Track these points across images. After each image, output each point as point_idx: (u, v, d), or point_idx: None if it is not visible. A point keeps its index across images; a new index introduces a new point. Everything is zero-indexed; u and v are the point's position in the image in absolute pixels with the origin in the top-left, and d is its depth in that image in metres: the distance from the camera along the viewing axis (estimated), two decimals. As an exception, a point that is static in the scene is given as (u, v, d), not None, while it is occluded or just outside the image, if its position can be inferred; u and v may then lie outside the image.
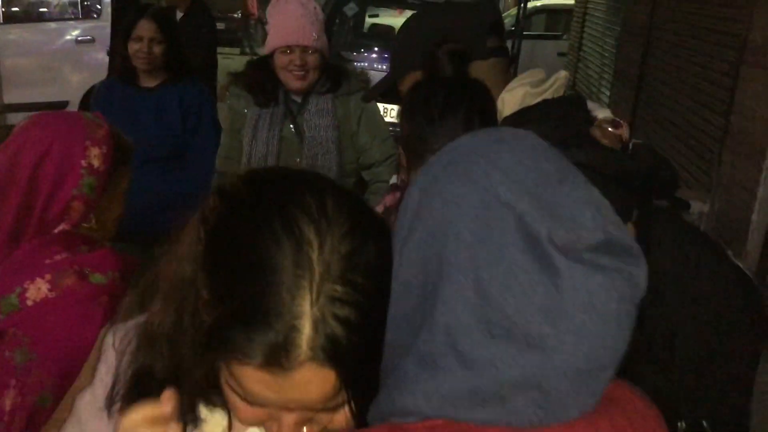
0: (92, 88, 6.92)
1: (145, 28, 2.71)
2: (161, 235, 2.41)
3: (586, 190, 0.63)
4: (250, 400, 0.67)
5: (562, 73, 1.54)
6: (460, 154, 0.68)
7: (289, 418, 0.68)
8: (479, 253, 0.60)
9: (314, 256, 0.63)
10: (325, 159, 2.41)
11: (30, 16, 7.17)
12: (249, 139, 2.41)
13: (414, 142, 1.27)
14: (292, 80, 2.36)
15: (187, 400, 0.74)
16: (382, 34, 7.60)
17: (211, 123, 2.88)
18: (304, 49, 2.31)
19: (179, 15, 4.97)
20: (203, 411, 0.77)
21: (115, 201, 1.44)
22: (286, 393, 0.64)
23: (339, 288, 0.63)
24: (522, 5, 7.85)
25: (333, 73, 2.44)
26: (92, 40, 6.94)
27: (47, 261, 1.27)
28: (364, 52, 6.37)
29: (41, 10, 7.28)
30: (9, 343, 1.25)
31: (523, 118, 1.36)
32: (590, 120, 1.35)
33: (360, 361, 0.65)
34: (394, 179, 1.57)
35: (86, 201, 1.34)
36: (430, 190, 0.66)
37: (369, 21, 8.11)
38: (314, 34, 2.31)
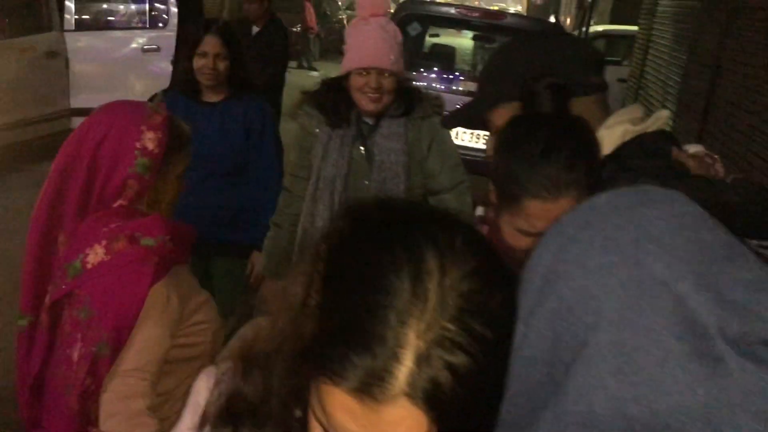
0: (154, 96, 7.16)
1: (210, 43, 2.73)
2: (219, 247, 2.38)
3: (760, 271, 0.55)
4: (332, 429, 0.62)
5: (664, 113, 1.46)
6: (601, 216, 0.61)
7: None
8: (625, 336, 0.53)
9: (432, 286, 0.58)
10: (393, 183, 2.38)
11: (99, 24, 7.37)
12: (318, 159, 2.39)
13: (509, 182, 1.19)
14: (366, 103, 2.33)
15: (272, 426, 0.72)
16: (442, 54, 7.58)
17: (273, 140, 2.89)
18: (381, 72, 2.28)
19: (255, 30, 5.11)
20: None
21: (170, 184, 1.57)
22: (370, 428, 0.59)
23: (452, 328, 0.58)
24: (583, 30, 7.75)
25: (407, 97, 2.40)
26: (158, 49, 7.10)
27: (104, 229, 1.43)
28: (424, 72, 6.35)
29: (110, 18, 7.49)
30: (75, 303, 1.44)
31: (620, 152, 1.29)
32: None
33: (459, 416, 0.59)
34: (480, 211, 1.51)
35: (140, 180, 1.48)
36: (564, 255, 0.60)
37: (429, 41, 8.10)
38: (392, 57, 2.28)
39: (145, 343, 1.41)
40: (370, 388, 0.57)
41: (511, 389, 0.61)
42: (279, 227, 2.58)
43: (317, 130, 2.40)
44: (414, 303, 0.58)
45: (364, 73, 2.29)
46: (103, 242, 1.41)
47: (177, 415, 1.50)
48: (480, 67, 7.82)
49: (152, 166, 1.49)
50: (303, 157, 2.47)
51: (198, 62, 2.73)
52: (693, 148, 1.42)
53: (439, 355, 0.57)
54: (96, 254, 1.41)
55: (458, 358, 0.57)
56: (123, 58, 7.16)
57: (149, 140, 1.47)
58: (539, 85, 1.36)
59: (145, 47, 7.14)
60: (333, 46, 17.10)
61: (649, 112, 1.46)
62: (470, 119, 1.62)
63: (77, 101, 6.90)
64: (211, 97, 2.81)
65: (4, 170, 6.18)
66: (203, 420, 0.79)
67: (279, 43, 5.28)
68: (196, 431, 0.79)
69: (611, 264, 0.56)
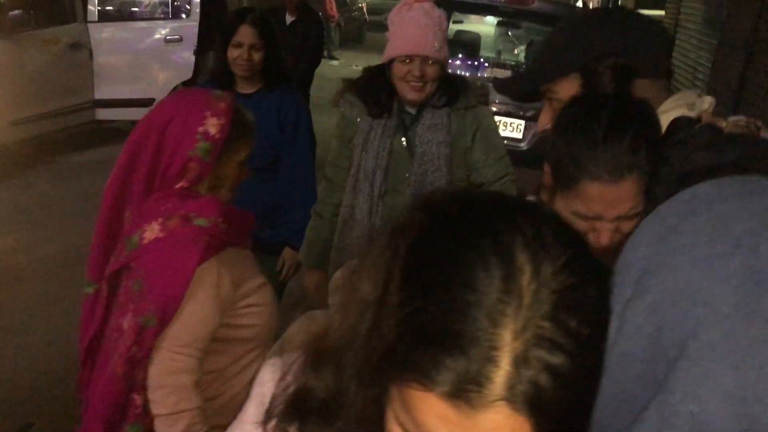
0: (175, 87, 7.17)
1: (245, 34, 2.65)
2: (256, 246, 2.33)
3: None
4: None
5: (708, 99, 1.41)
6: (706, 205, 0.57)
7: None
8: (740, 330, 0.49)
9: (524, 284, 0.54)
10: (435, 176, 2.30)
11: (122, 15, 7.38)
12: (359, 150, 2.33)
13: (567, 165, 1.15)
14: (408, 91, 2.25)
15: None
16: (466, 40, 7.49)
17: (307, 135, 2.82)
18: (425, 59, 2.21)
19: (289, 19, 5.09)
20: None
21: (230, 169, 1.61)
22: None
23: (548, 326, 0.53)
24: (610, 14, 7.62)
25: (451, 86, 2.32)
26: (180, 40, 7.10)
27: (162, 208, 1.51)
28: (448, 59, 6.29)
29: (133, 9, 7.49)
30: (130, 275, 1.52)
31: (667, 132, 1.24)
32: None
33: (558, 418, 0.54)
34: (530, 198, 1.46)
35: (201, 163, 1.54)
36: (667, 245, 0.56)
37: (453, 27, 8.01)
38: (436, 45, 2.20)
39: (193, 319, 1.47)
40: (466, 393, 0.53)
41: (605, 387, 0.57)
42: (320, 217, 2.52)
43: (358, 120, 2.34)
44: (507, 301, 0.54)
45: (407, 61, 2.21)
46: (160, 220, 1.50)
47: (231, 396, 1.57)
48: (505, 55, 7.74)
49: (213, 150, 1.55)
50: (344, 146, 2.40)
51: (232, 53, 2.66)
52: (734, 117, 1.38)
53: (537, 356, 0.53)
54: (152, 231, 1.49)
55: (557, 358, 0.53)
56: (146, 48, 7.17)
57: (212, 126, 1.53)
58: (602, 65, 1.32)
59: (168, 38, 7.14)
60: (353, 34, 17.07)
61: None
62: (524, 90, 1.57)
63: (101, 92, 6.94)
64: (246, 89, 2.73)
65: (29, 162, 6.23)
66: (269, 413, 0.76)
67: (315, 35, 5.24)
68: (261, 424, 0.76)
69: (723, 254, 0.52)
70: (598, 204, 1.12)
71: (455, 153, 2.33)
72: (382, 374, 0.60)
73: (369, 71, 2.43)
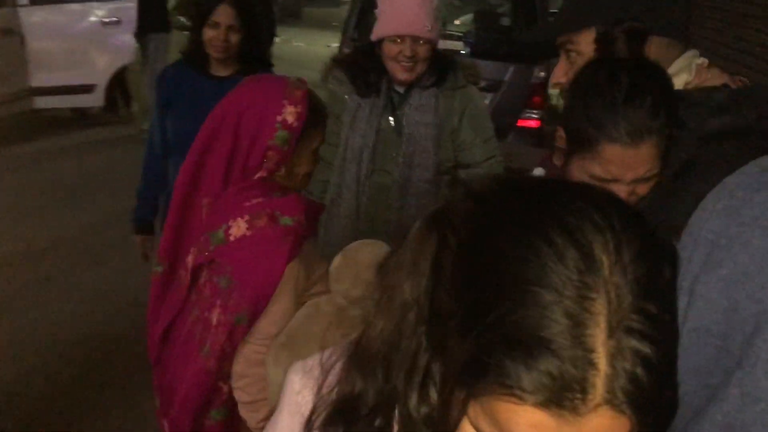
0: (122, 68, 6.87)
1: (224, 14, 2.52)
2: None
3: None
4: None
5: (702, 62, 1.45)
6: None
7: None
8: None
9: (606, 276, 0.52)
10: (422, 157, 2.30)
11: (55, -3, 7.02)
12: (347, 128, 2.31)
13: (587, 126, 1.15)
14: (399, 71, 2.23)
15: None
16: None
17: None
18: (416, 39, 2.17)
19: None
20: None
21: (305, 157, 1.62)
22: None
23: (635, 317, 0.51)
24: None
25: (439, 66, 2.30)
26: (118, 22, 6.81)
27: (246, 204, 1.52)
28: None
29: (66, -10, 7.13)
30: (216, 270, 1.55)
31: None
32: None
33: (656, 408, 0.54)
34: (539, 172, 1.46)
35: (279, 152, 1.56)
36: (738, 218, 0.55)
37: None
38: (428, 25, 2.16)
39: (280, 315, 1.52)
40: (567, 401, 0.50)
41: (680, 364, 0.56)
42: (310, 194, 2.49)
43: (346, 97, 2.32)
44: (593, 298, 0.51)
45: (398, 40, 2.18)
46: (246, 217, 1.51)
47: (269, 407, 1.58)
48: (450, 26, 7.72)
49: (291, 138, 1.56)
50: (333, 122, 2.33)
51: (208, 33, 2.53)
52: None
53: (630, 350, 0.51)
54: (239, 228, 1.51)
55: (648, 349, 0.51)
56: (82, 32, 6.87)
57: (289, 114, 1.54)
58: (618, 30, 1.33)
59: (105, 20, 6.84)
60: (290, 10, 16.74)
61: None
62: (546, 37, 1.57)
63: (37, 80, 6.62)
64: (220, 71, 2.62)
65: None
66: (310, 423, 0.73)
67: (262, 13, 4.96)
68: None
69: None
70: (617, 167, 1.13)
71: (443, 133, 2.32)
72: (463, 384, 0.56)
73: (357, 50, 2.41)
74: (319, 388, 0.74)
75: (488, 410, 0.54)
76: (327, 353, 0.77)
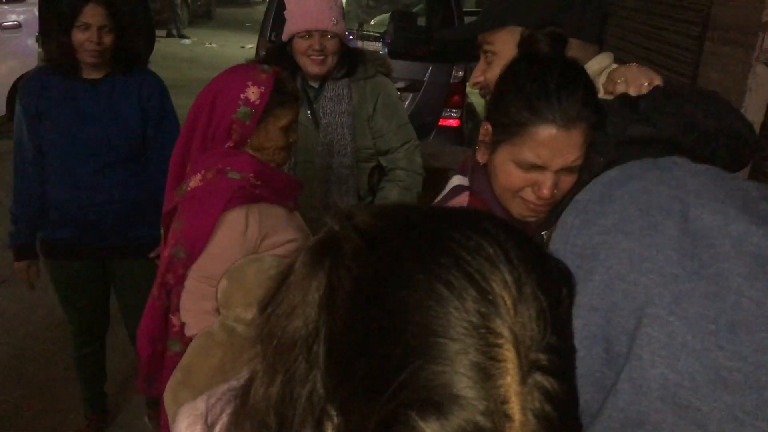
0: (21, 77, 6.53)
1: (93, 14, 2.32)
2: (122, 248, 2.32)
3: None
4: None
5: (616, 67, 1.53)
6: (622, 186, 0.60)
7: None
8: (689, 289, 0.51)
9: (509, 317, 0.50)
10: (340, 145, 2.41)
11: (-54, 0, 6.60)
12: None
13: (519, 110, 1.17)
14: (310, 65, 2.34)
15: None
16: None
17: (174, 118, 2.61)
18: (323, 33, 2.30)
19: None
20: None
21: (272, 133, 1.80)
22: None
23: (542, 356, 0.49)
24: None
25: (349, 58, 2.42)
26: (19, 26, 6.48)
27: (207, 162, 1.77)
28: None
29: (-40, -7, 6.72)
30: (176, 216, 1.80)
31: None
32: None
33: None
34: (458, 180, 1.47)
35: (242, 126, 1.77)
36: (598, 228, 0.58)
37: None
38: (333, 19, 2.30)
39: (219, 255, 1.68)
40: None
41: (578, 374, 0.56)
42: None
43: None
44: (500, 344, 0.49)
45: (307, 36, 2.31)
46: (202, 172, 1.75)
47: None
48: (367, 26, 7.75)
49: (253, 115, 1.76)
50: None
51: (79, 36, 2.32)
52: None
53: (538, 391, 0.49)
54: (195, 180, 1.75)
55: (555, 385, 0.50)
56: (-21, 37, 6.47)
57: (252, 93, 1.75)
58: (540, 33, 1.38)
59: (4, 24, 6.49)
60: (201, 11, 16.38)
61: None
62: (465, 36, 1.62)
63: (-67, 88, 6.20)
64: (93, 74, 2.43)
65: None
66: None
67: (139, 9, 4.62)
68: None
69: (655, 223, 0.55)
70: (548, 150, 1.16)
71: (358, 122, 2.43)
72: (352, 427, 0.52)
73: (270, 50, 2.52)
74: None
75: None
76: (211, 400, 0.72)
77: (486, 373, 0.48)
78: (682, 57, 4.64)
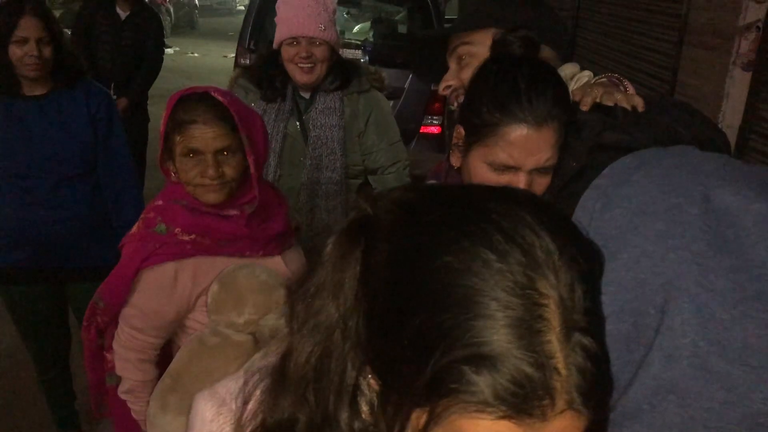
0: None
1: (29, 26, 2.24)
2: (89, 270, 2.29)
3: None
4: None
5: (585, 74, 1.54)
6: (639, 168, 0.64)
7: None
8: (715, 264, 0.55)
9: (552, 279, 0.53)
10: (329, 160, 2.33)
11: None
12: None
13: (491, 111, 1.18)
14: (298, 73, 2.28)
15: None
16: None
17: (122, 129, 2.56)
18: (311, 40, 2.23)
19: (123, 15, 4.55)
20: None
21: (179, 163, 1.59)
22: None
23: (581, 318, 0.53)
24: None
25: (343, 70, 2.36)
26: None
27: (152, 203, 1.68)
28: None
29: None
30: None
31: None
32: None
33: (605, 398, 0.55)
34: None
35: (158, 156, 1.62)
36: (621, 210, 0.62)
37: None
38: (321, 25, 2.23)
39: (142, 310, 1.62)
40: (535, 408, 0.51)
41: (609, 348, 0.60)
42: None
43: (252, 105, 2.30)
44: (543, 303, 0.52)
45: (294, 42, 2.24)
46: (144, 214, 1.65)
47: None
48: (349, 33, 7.75)
49: (159, 142, 1.61)
50: None
51: (16, 51, 2.25)
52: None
53: (580, 349, 0.52)
54: (137, 224, 1.67)
55: (593, 345, 0.53)
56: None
57: (162, 120, 1.59)
58: (513, 36, 1.37)
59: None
60: (184, 20, 16.35)
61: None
62: (441, 36, 1.61)
63: None
64: (35, 90, 2.36)
65: None
66: None
67: (155, 35, 4.70)
68: None
69: (679, 204, 0.58)
70: (519, 150, 1.16)
71: (349, 137, 2.36)
72: (412, 406, 0.55)
73: (262, 58, 2.43)
74: (239, 417, 0.70)
75: (450, 428, 0.53)
76: (240, 380, 0.73)
77: (532, 330, 0.51)
78: (661, 62, 4.68)
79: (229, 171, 1.58)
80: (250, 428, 0.69)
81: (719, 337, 0.55)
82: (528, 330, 0.51)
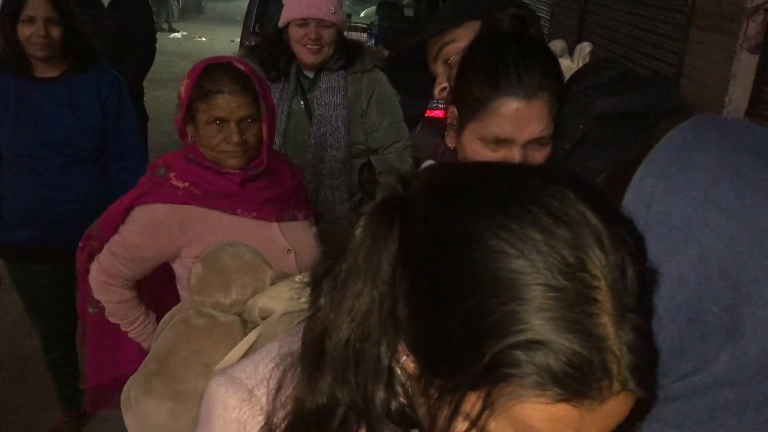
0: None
1: (37, 6, 2.21)
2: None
3: None
4: None
5: (586, 46, 1.54)
6: (699, 150, 0.60)
7: None
8: None
9: (603, 259, 0.52)
10: (334, 138, 2.35)
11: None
12: None
13: (481, 87, 1.18)
14: (306, 54, 2.28)
15: None
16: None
17: (132, 114, 2.55)
18: (320, 22, 2.23)
19: (106, 2, 4.14)
20: None
21: (202, 129, 1.66)
22: (584, 429, 0.52)
23: (632, 298, 0.52)
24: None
25: (347, 50, 2.36)
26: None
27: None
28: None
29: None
30: None
31: (574, 78, 1.32)
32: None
33: (653, 378, 0.55)
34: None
35: (177, 120, 1.70)
36: (688, 199, 0.58)
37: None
38: (331, 8, 2.23)
39: (126, 240, 1.72)
40: (593, 390, 0.50)
41: (659, 338, 0.58)
42: None
43: None
44: (594, 285, 0.51)
45: (303, 24, 2.23)
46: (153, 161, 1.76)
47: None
48: (356, 17, 7.73)
49: (180, 107, 1.67)
50: None
51: (24, 31, 2.22)
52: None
53: (631, 329, 0.52)
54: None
55: (643, 324, 0.53)
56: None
57: (183, 86, 1.66)
58: (502, 14, 1.38)
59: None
60: (191, 4, 16.31)
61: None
62: (425, 37, 1.60)
63: None
64: (47, 72, 2.33)
65: None
66: None
67: (143, 22, 4.33)
68: None
69: (754, 203, 0.56)
70: (512, 123, 1.16)
71: (353, 115, 2.37)
72: (464, 392, 0.54)
73: (267, 37, 2.43)
74: (272, 404, 0.68)
75: (504, 412, 0.52)
76: (262, 365, 0.72)
77: (586, 313, 0.50)
78: (668, 45, 4.65)
79: (251, 138, 1.66)
80: (282, 414, 0.67)
81: None
82: (582, 313, 0.50)
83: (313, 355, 0.66)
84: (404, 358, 0.61)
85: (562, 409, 0.51)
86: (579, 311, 0.50)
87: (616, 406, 0.52)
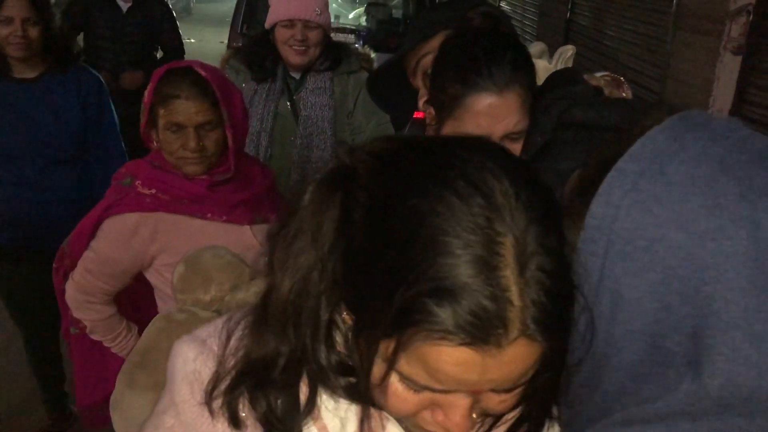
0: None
1: (14, 6, 2.21)
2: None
3: None
4: (434, 383, 0.59)
5: (568, 49, 1.55)
6: (670, 160, 0.59)
7: (464, 402, 0.61)
8: (760, 303, 0.53)
9: (509, 219, 0.57)
10: (320, 139, 2.37)
11: None
12: None
13: (454, 85, 1.20)
14: (292, 55, 2.31)
15: (311, 386, 0.70)
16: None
17: (113, 115, 2.54)
18: (306, 23, 2.26)
19: (125, 7, 3.97)
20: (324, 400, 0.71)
21: (162, 135, 1.64)
22: (488, 373, 0.57)
23: (535, 255, 0.57)
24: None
25: (333, 51, 2.39)
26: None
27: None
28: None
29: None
30: None
31: (547, 85, 1.34)
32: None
33: (562, 331, 0.60)
34: None
35: (142, 125, 1.67)
36: (654, 218, 0.57)
37: None
38: (317, 9, 2.27)
39: (98, 256, 1.70)
40: (491, 336, 0.55)
41: (615, 363, 0.61)
42: None
43: (243, 85, 2.34)
44: (499, 241, 0.56)
45: (289, 25, 2.26)
46: (117, 171, 1.74)
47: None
48: (343, 19, 7.75)
49: (143, 112, 1.64)
50: None
51: (2, 31, 2.22)
52: (600, 73, 1.52)
53: (536, 284, 0.56)
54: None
55: (550, 280, 0.57)
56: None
57: (147, 91, 1.63)
58: (473, 12, 1.40)
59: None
60: (179, 6, 16.25)
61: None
62: (397, 63, 1.62)
63: None
64: (26, 73, 2.32)
65: None
66: (212, 390, 0.72)
67: (168, 27, 4.15)
68: (204, 404, 0.72)
69: (723, 227, 0.54)
70: (486, 118, 1.19)
71: (339, 116, 2.40)
72: (381, 337, 0.59)
73: (253, 38, 2.46)
74: (222, 352, 0.73)
75: (415, 355, 0.58)
76: (223, 320, 0.77)
77: (489, 265, 0.55)
78: (652, 46, 4.69)
79: (210, 144, 1.62)
80: (232, 362, 0.72)
81: (750, 384, 0.54)
82: (486, 266, 0.55)
83: (259, 308, 0.71)
84: (344, 313, 0.67)
85: (466, 353, 0.56)
86: (484, 264, 0.55)
87: (518, 354, 0.57)
